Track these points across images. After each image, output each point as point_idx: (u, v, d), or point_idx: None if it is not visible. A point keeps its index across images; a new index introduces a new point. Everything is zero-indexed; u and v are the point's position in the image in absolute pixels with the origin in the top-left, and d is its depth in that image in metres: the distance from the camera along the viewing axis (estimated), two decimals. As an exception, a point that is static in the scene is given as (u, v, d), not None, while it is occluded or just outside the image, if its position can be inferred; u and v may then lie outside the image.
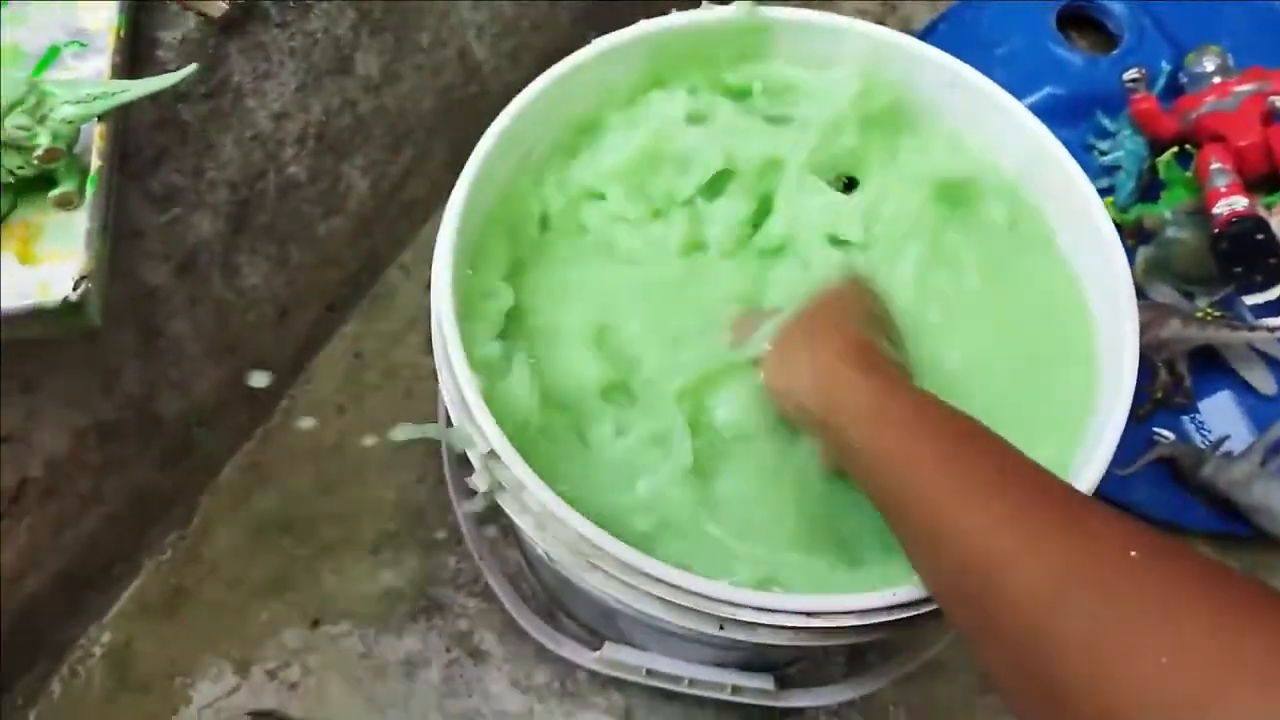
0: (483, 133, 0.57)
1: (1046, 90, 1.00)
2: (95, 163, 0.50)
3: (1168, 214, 0.90)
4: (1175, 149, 0.94)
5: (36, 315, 0.47)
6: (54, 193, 0.49)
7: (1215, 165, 0.87)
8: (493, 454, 0.49)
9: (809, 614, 0.47)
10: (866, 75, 0.64)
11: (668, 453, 0.54)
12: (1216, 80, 0.93)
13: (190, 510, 0.83)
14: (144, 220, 0.65)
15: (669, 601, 0.47)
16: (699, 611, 0.47)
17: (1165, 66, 1.00)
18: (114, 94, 0.49)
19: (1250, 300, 0.88)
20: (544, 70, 0.60)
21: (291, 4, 0.69)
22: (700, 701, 0.74)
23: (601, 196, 0.62)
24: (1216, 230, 0.84)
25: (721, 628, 0.48)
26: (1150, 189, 0.95)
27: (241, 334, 0.79)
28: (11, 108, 0.46)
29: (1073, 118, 0.99)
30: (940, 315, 0.60)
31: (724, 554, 0.52)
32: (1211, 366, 0.88)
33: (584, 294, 0.60)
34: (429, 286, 0.91)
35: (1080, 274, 0.61)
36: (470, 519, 0.74)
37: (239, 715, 0.74)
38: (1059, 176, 0.61)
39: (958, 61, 0.64)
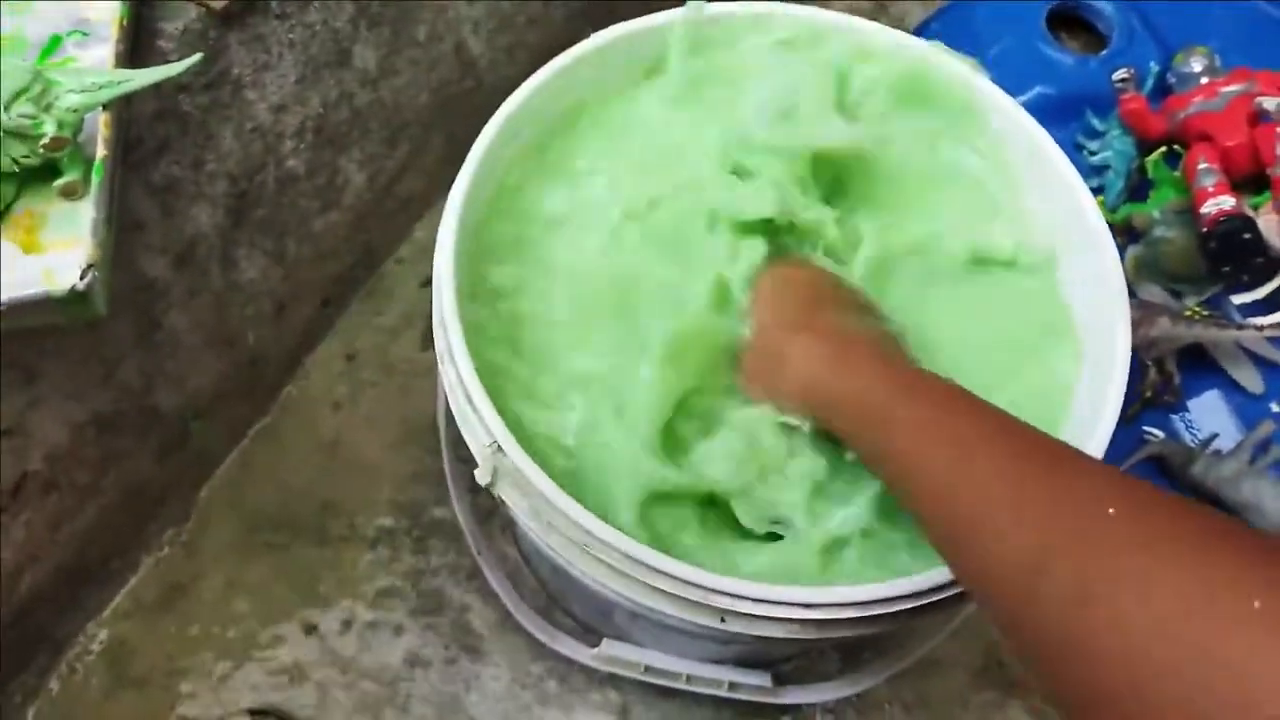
0: (479, 128, 0.57)
1: (1036, 90, 1.01)
2: (100, 152, 0.50)
3: (1156, 213, 0.91)
4: (1164, 149, 0.95)
5: (44, 304, 0.47)
6: (59, 182, 0.49)
7: (1203, 165, 0.88)
8: (496, 447, 0.49)
9: (809, 605, 0.47)
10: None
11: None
12: (1204, 81, 0.95)
13: (188, 506, 0.82)
14: (144, 212, 0.64)
15: (670, 594, 0.48)
16: (700, 604, 0.47)
17: (1154, 67, 1.01)
18: (119, 83, 0.49)
19: (1238, 299, 0.89)
20: (539, 66, 0.60)
21: (291, -3, 0.69)
22: (697, 698, 0.75)
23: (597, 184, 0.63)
24: (1204, 229, 0.85)
25: (723, 620, 0.48)
26: (1139, 189, 0.96)
27: (239, 328, 0.79)
28: (16, 96, 0.46)
29: (1062, 117, 1.00)
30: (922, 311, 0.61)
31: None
32: (1200, 365, 0.89)
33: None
34: (425, 282, 0.92)
35: (1067, 271, 0.62)
36: (469, 515, 0.74)
37: (237, 712, 0.73)
38: (1052, 174, 0.62)
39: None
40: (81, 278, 0.47)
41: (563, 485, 0.48)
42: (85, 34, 0.54)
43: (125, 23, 0.55)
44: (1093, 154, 0.99)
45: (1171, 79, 0.99)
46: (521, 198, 0.61)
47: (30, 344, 0.60)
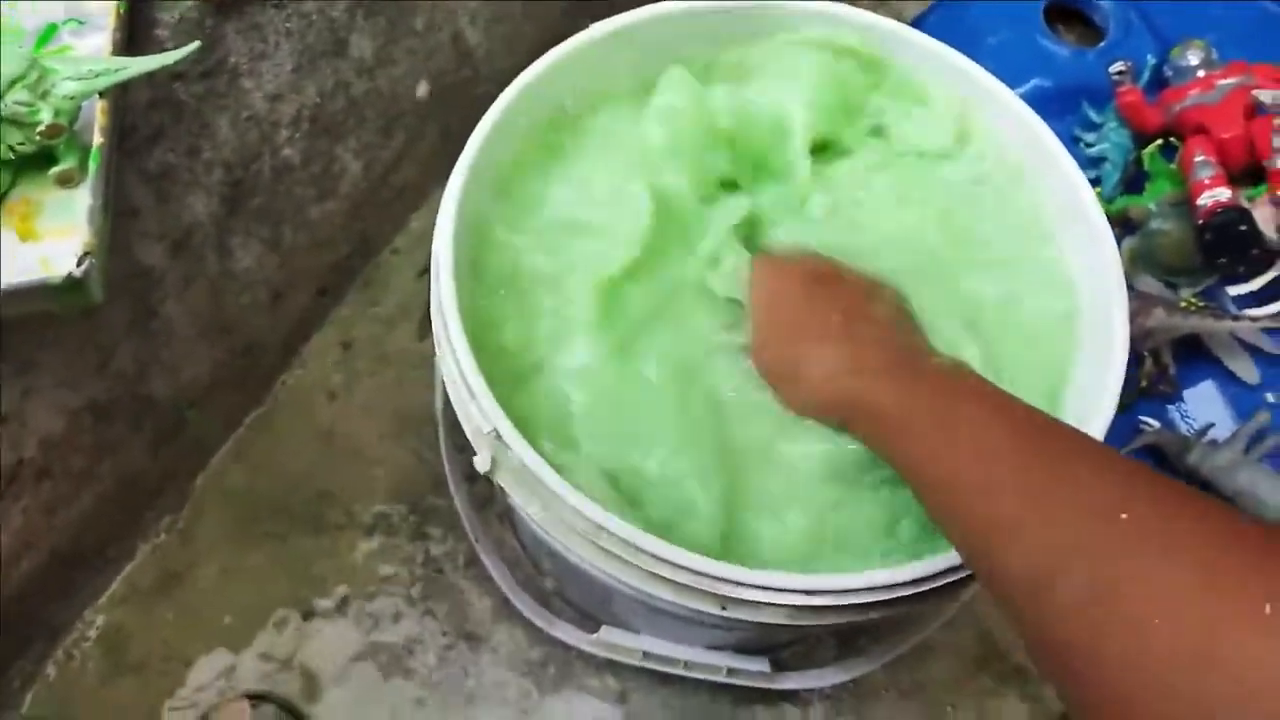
0: (476, 118, 0.57)
1: (1033, 82, 1.02)
2: (96, 139, 0.50)
3: (1152, 206, 0.91)
4: (1160, 141, 0.95)
5: (40, 291, 0.47)
6: (55, 169, 0.49)
7: (1199, 157, 0.88)
8: (495, 434, 0.49)
9: (810, 592, 0.47)
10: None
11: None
12: (1201, 74, 0.95)
13: (183, 494, 0.82)
14: (140, 199, 0.64)
15: (670, 580, 0.48)
16: (702, 591, 0.48)
17: (1150, 60, 1.01)
18: (116, 70, 0.49)
19: (1234, 291, 0.89)
20: (537, 57, 0.60)
21: (287, -15, 0.69)
22: (696, 684, 0.75)
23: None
24: (1200, 222, 0.85)
25: (724, 608, 0.48)
26: (1135, 181, 0.97)
27: (234, 316, 0.79)
28: (12, 84, 0.46)
29: (1059, 110, 1.00)
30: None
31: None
32: (1196, 356, 0.90)
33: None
34: (422, 272, 0.92)
35: (1071, 263, 0.62)
36: (466, 503, 0.74)
37: (235, 698, 0.73)
38: (1049, 164, 0.62)
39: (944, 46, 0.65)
40: (78, 265, 0.47)
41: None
42: (82, 22, 0.54)
43: (122, 11, 0.55)
44: (1089, 146, 0.99)
45: (1168, 72, 0.99)
46: (521, 185, 0.61)
47: (26, 332, 0.59)
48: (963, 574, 0.48)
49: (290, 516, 0.83)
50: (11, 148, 0.48)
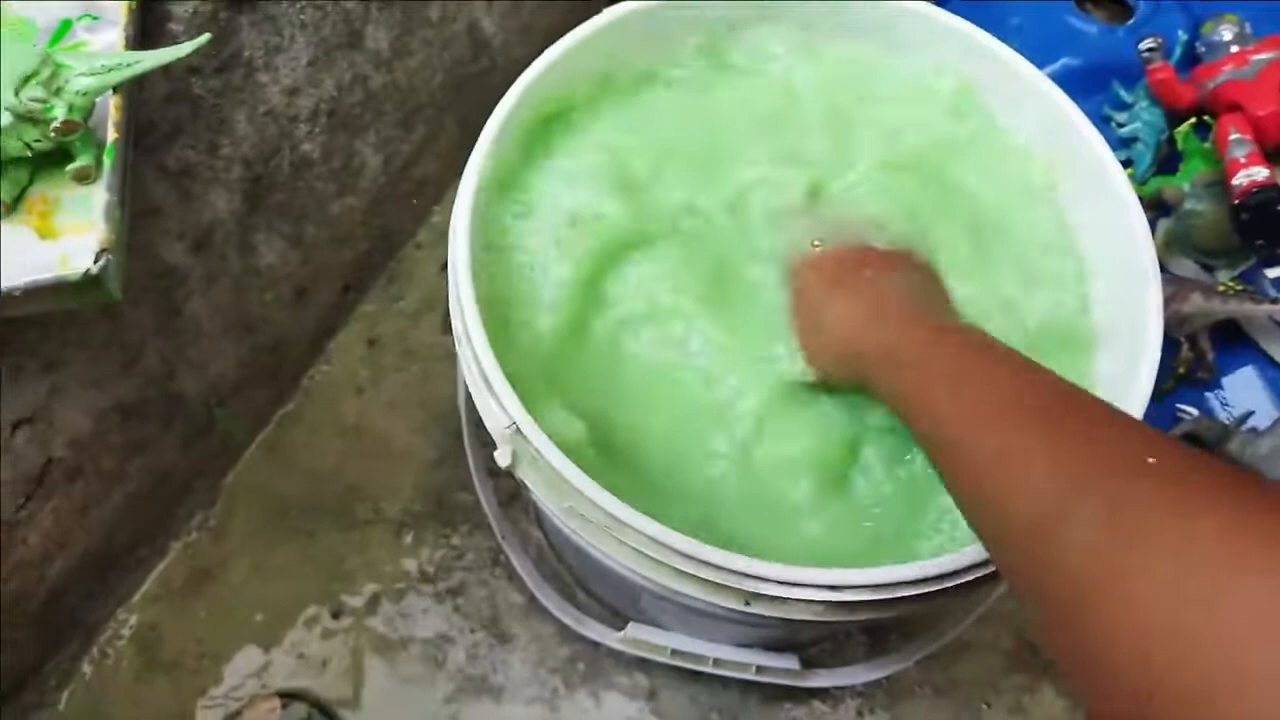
0: (492, 110, 0.56)
1: (1062, 61, 0.99)
2: (111, 135, 0.50)
3: (1186, 186, 0.89)
4: (1193, 120, 0.92)
5: (58, 289, 0.47)
6: (72, 166, 0.49)
7: (1234, 135, 0.86)
8: (515, 429, 0.48)
9: (834, 587, 0.46)
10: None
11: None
12: (1234, 49, 0.92)
13: (213, 492, 0.83)
14: (160, 197, 0.64)
15: (693, 576, 0.47)
16: (725, 586, 0.47)
17: (1182, 36, 0.99)
18: (129, 65, 0.49)
19: (1272, 273, 0.87)
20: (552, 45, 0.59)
21: (301, -23, 0.68)
22: (725, 681, 0.74)
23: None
24: (1236, 201, 0.83)
25: (748, 603, 0.47)
26: (1168, 161, 0.94)
27: (259, 314, 0.79)
28: (26, 80, 0.46)
29: (1089, 89, 0.98)
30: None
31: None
32: (1234, 341, 0.88)
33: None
34: (444, 267, 0.92)
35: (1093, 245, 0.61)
36: (491, 499, 0.73)
37: (267, 695, 0.74)
38: (1080, 145, 0.60)
39: (973, 27, 0.63)
40: (95, 261, 0.47)
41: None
42: (95, 18, 0.54)
43: (135, 6, 0.54)
44: (1120, 126, 0.97)
45: (1200, 48, 0.96)
46: (536, 175, 0.60)
47: (50, 331, 0.60)
48: (991, 568, 0.47)
49: (319, 513, 0.83)
50: (28, 145, 0.47)
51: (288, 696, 0.74)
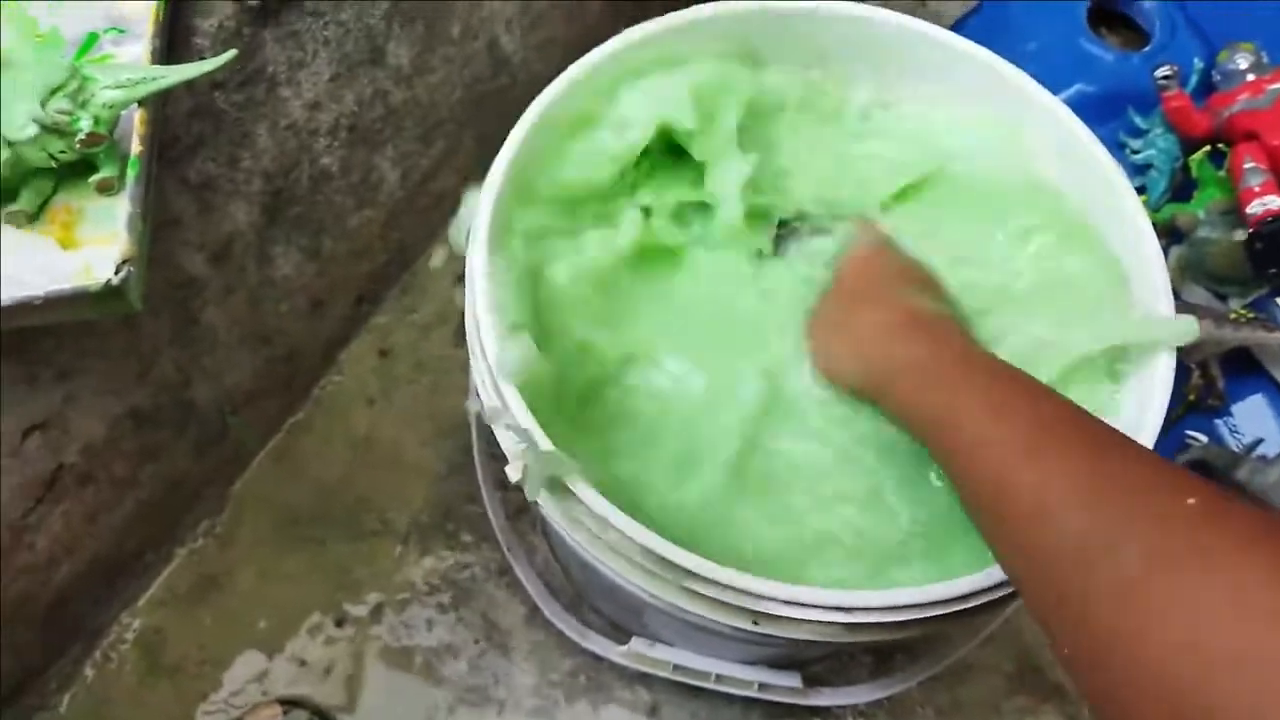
0: (511, 125, 0.57)
1: (1077, 87, 1.00)
2: (136, 147, 0.50)
3: (1200, 213, 0.89)
4: (1208, 147, 0.93)
5: (79, 298, 0.47)
6: (95, 177, 0.49)
7: (1249, 164, 0.86)
8: (528, 445, 0.49)
9: (842, 609, 0.46)
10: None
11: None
12: (1250, 78, 0.92)
13: (222, 499, 0.83)
14: (181, 208, 0.65)
15: (701, 595, 0.47)
16: (732, 605, 0.47)
17: (1198, 64, 0.99)
18: (155, 79, 0.49)
19: (1285, 302, 0.87)
20: (572, 63, 0.60)
21: (325, -7, 0.69)
22: (728, 698, 0.74)
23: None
24: (1250, 230, 0.83)
25: (756, 623, 0.48)
26: (1183, 188, 0.95)
27: (274, 324, 0.80)
28: (53, 92, 0.46)
29: (1104, 115, 0.98)
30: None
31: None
32: (1245, 369, 0.88)
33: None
34: (459, 279, 0.92)
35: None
36: (499, 511, 0.74)
37: (269, 701, 0.74)
38: (1094, 171, 0.60)
39: (990, 53, 0.64)
40: (116, 273, 0.48)
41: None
42: (122, 31, 0.54)
43: (161, 19, 0.55)
44: (1135, 152, 0.97)
45: (1216, 76, 0.96)
46: (552, 191, 0.61)
47: (66, 340, 0.60)
48: (1000, 593, 0.47)
49: (327, 522, 0.83)
50: (53, 156, 0.48)
51: (289, 703, 0.74)
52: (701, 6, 0.63)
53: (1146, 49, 1.02)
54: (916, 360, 0.47)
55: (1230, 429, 0.86)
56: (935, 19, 0.65)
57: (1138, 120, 0.98)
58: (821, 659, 0.77)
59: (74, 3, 0.55)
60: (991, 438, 0.40)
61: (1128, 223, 0.58)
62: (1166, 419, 0.51)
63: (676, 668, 0.66)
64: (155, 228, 0.54)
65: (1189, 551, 0.29)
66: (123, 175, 0.50)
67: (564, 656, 0.78)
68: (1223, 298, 0.89)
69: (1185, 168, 0.94)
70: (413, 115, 0.83)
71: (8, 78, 0.46)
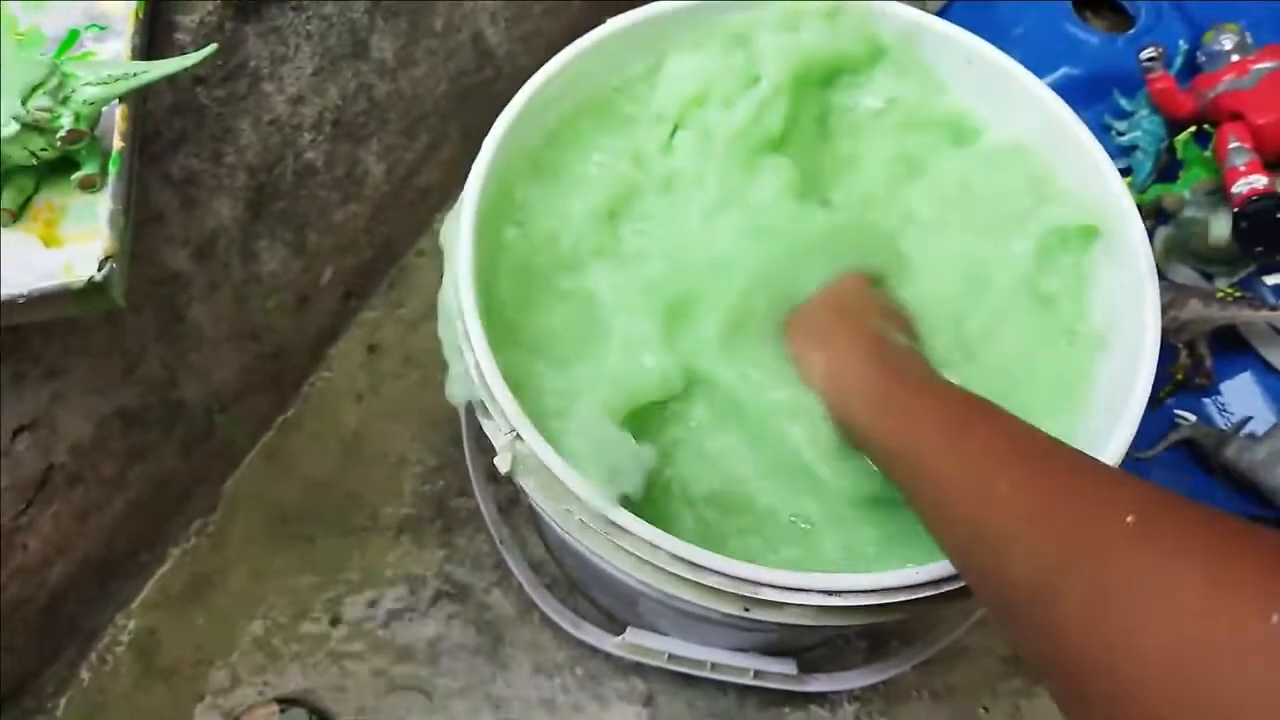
0: (495, 118, 0.57)
1: (1063, 70, 1.00)
2: (117, 144, 0.50)
3: (1186, 194, 0.89)
4: (1193, 128, 0.93)
5: (61, 296, 0.47)
6: (77, 174, 0.49)
7: (1234, 144, 0.86)
8: (515, 435, 0.49)
9: (831, 592, 0.47)
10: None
11: None
12: (1234, 58, 0.92)
13: (213, 498, 0.83)
14: (164, 204, 0.65)
15: (692, 581, 0.47)
16: (723, 592, 0.47)
17: (1182, 45, 0.99)
18: (135, 74, 0.49)
19: (1271, 280, 0.87)
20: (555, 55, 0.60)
21: (307, -12, 0.69)
22: (722, 686, 0.74)
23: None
24: (1236, 209, 0.83)
25: (747, 609, 0.48)
26: (1168, 169, 0.95)
27: (261, 320, 0.80)
28: (33, 89, 0.46)
29: (1089, 98, 0.98)
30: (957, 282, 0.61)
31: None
32: (1232, 347, 0.88)
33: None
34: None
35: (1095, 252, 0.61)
36: (491, 504, 0.74)
37: (265, 701, 0.74)
38: (1077, 153, 0.61)
39: (974, 36, 0.64)
40: (99, 269, 0.47)
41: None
42: (102, 28, 0.54)
43: (141, 16, 0.55)
44: (1121, 134, 0.97)
45: (1201, 57, 0.96)
46: (536, 184, 0.61)
47: (53, 338, 0.60)
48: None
49: (319, 519, 0.83)
50: (34, 153, 0.48)
51: (285, 702, 0.74)
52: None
53: (1131, 32, 1.02)
54: (873, 386, 0.49)
55: (1219, 407, 0.87)
56: (920, 4, 0.65)
57: (1123, 102, 0.98)
58: (816, 645, 0.77)
59: (54, 1, 0.55)
60: (941, 466, 0.41)
61: (1112, 204, 0.58)
62: (1155, 397, 0.51)
63: (672, 657, 0.66)
64: (138, 224, 0.54)
65: (1128, 581, 0.30)
66: (105, 172, 0.50)
67: (559, 648, 0.78)
68: (1209, 277, 0.89)
69: (1171, 149, 0.94)
70: (397, 109, 0.83)
71: (-13, 75, 0.46)
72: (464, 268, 0.52)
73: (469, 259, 0.52)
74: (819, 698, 0.77)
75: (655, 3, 0.62)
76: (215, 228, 0.70)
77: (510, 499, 0.81)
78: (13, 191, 0.49)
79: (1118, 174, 0.58)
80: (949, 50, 0.64)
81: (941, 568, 0.46)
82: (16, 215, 0.49)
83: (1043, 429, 0.41)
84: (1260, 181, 0.82)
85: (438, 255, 0.95)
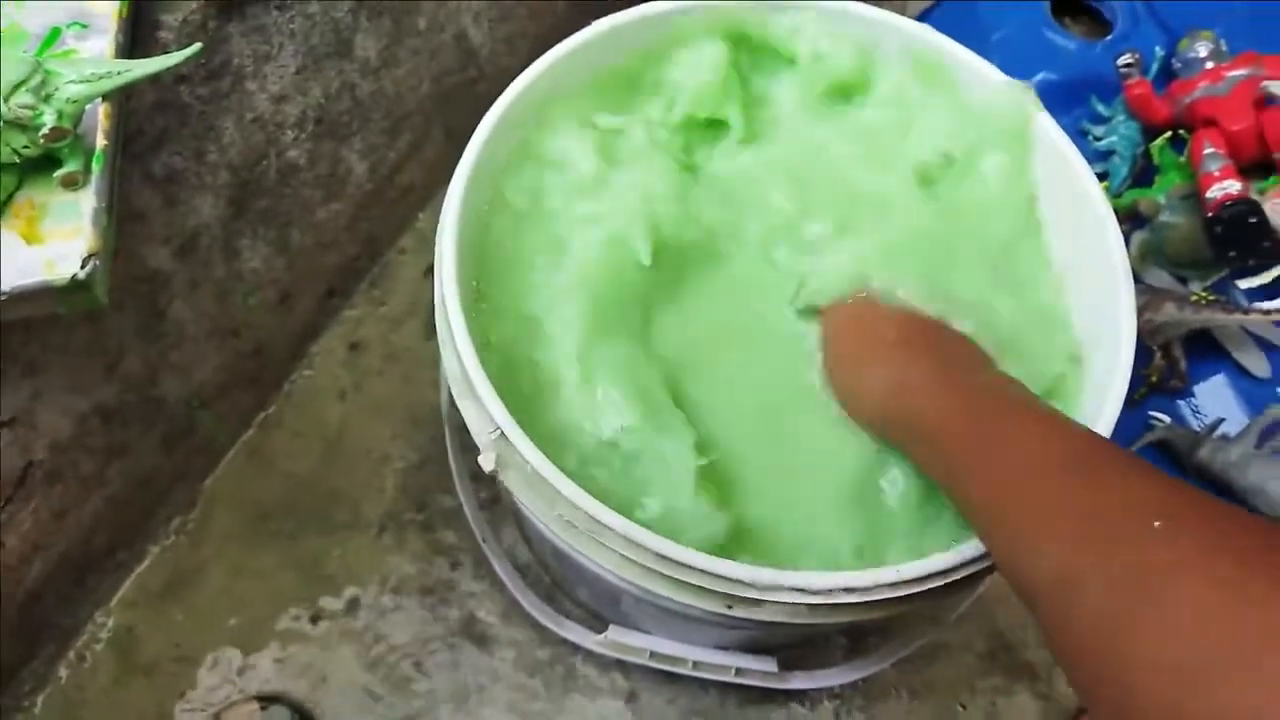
0: (479, 118, 0.57)
1: (1041, 76, 1.01)
2: (100, 142, 0.50)
3: (1162, 199, 0.90)
4: (1169, 134, 0.94)
5: (44, 294, 0.47)
6: (60, 172, 0.49)
7: (1208, 150, 0.87)
8: (499, 434, 0.49)
9: (814, 591, 0.47)
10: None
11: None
12: (1209, 65, 0.94)
13: (193, 495, 0.83)
14: (146, 202, 0.65)
15: (676, 580, 0.48)
16: (706, 590, 0.47)
17: (1159, 52, 1.01)
18: (119, 73, 0.49)
19: (1244, 284, 0.88)
20: (539, 56, 0.60)
21: (291, -14, 0.69)
22: (704, 683, 0.75)
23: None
24: (1210, 214, 0.84)
25: (730, 607, 0.48)
26: (1144, 174, 0.96)
27: (243, 318, 0.79)
28: (16, 87, 0.46)
29: (1067, 103, 0.99)
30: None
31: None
32: (1206, 350, 0.89)
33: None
34: (428, 271, 0.92)
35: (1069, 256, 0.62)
36: (473, 503, 0.74)
37: (245, 699, 0.74)
38: (1053, 157, 0.61)
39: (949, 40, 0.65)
40: (82, 267, 0.47)
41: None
42: (85, 25, 0.54)
43: (124, 14, 0.55)
44: (1098, 139, 0.98)
45: (1177, 64, 0.98)
46: (524, 184, 0.61)
47: (33, 335, 0.60)
48: (971, 569, 0.48)
49: (300, 517, 0.83)
50: (16, 151, 0.48)
51: (266, 700, 0.74)
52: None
53: (1109, 38, 1.04)
54: (917, 414, 0.49)
55: (1193, 409, 0.88)
56: (900, 10, 0.65)
57: (1100, 108, 0.99)
58: (797, 643, 0.78)
59: (36, -3, 0.55)
60: (985, 478, 0.42)
61: (1088, 208, 0.59)
62: (1130, 399, 0.52)
63: (654, 655, 0.66)
64: (120, 222, 0.54)
65: (1149, 584, 0.30)
66: (87, 170, 0.50)
67: (541, 646, 0.78)
68: (1184, 280, 0.90)
69: (1147, 154, 0.96)
70: (380, 108, 0.83)
71: (-32, 73, 0.45)
72: (448, 267, 0.52)
73: (454, 252, 0.53)
74: (799, 695, 0.78)
75: (643, 4, 0.63)
76: (197, 225, 0.70)
77: (492, 496, 0.82)
78: (-6, 189, 0.49)
79: (1095, 179, 0.59)
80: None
81: (923, 566, 0.47)
82: (-2, 212, 0.49)
83: None
84: (1234, 187, 0.84)
85: (420, 253, 0.96)
